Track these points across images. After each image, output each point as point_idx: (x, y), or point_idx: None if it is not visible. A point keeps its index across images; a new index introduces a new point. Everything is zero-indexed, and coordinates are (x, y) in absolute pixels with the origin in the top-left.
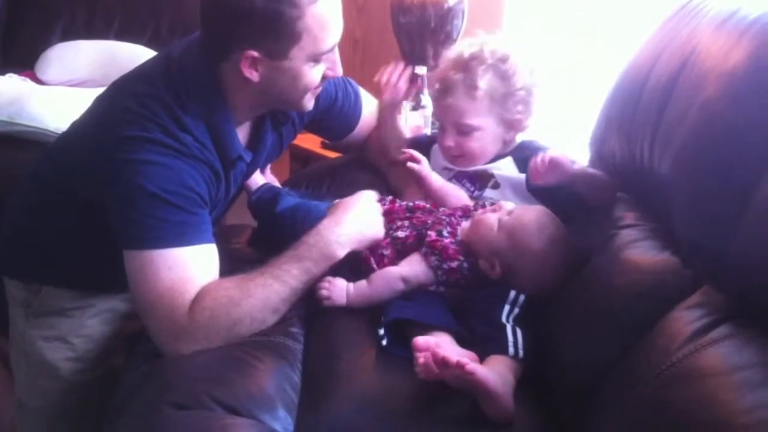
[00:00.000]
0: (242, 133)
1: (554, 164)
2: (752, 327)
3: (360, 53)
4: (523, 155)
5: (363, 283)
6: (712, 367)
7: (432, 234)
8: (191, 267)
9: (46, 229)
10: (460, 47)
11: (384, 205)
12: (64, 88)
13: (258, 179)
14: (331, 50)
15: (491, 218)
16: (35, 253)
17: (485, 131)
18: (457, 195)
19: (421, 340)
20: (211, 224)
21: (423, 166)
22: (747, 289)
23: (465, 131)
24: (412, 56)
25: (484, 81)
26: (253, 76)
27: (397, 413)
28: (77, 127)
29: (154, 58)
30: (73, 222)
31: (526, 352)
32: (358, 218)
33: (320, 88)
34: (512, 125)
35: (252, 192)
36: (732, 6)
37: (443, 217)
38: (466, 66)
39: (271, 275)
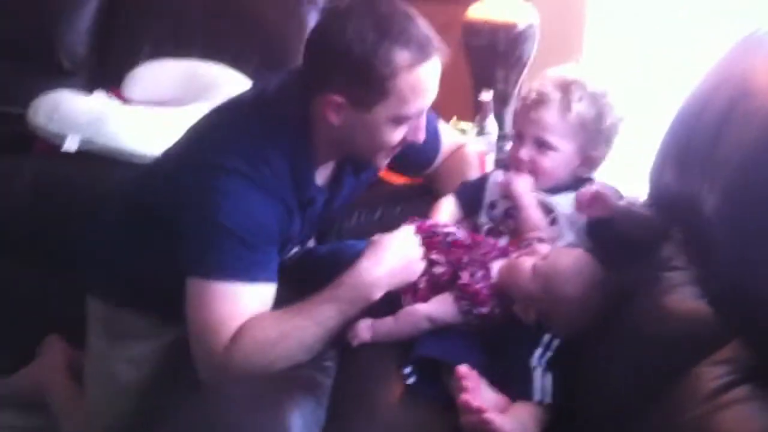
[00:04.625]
0: (325, 172)
1: (598, 197)
2: None
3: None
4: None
5: (389, 319)
6: (727, 430)
7: (465, 276)
8: (246, 304)
9: (129, 252)
10: (561, 70)
11: (421, 229)
12: (143, 108)
13: None
14: (417, 116)
15: (526, 263)
16: (118, 274)
17: (563, 155)
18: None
19: (463, 369)
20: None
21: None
22: None
23: (544, 148)
24: (482, 79)
25: (581, 106)
26: (334, 120)
27: None
28: (169, 151)
29: (251, 89)
30: (154, 248)
31: (555, 398)
32: (398, 261)
33: (398, 149)
34: (589, 161)
35: None
36: None
37: (478, 257)
38: (567, 88)
39: (308, 316)
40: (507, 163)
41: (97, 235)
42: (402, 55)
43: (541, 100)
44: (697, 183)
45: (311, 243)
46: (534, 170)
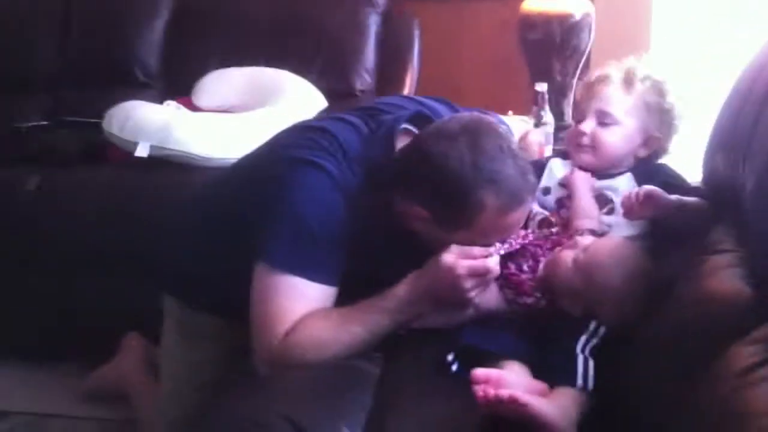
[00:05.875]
0: None
1: (648, 198)
2: None
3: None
4: (643, 169)
5: None
6: (756, 406)
7: (511, 266)
8: (306, 302)
9: (204, 255)
10: (623, 60)
11: None
12: (209, 114)
13: None
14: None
15: (567, 257)
16: (192, 277)
17: (624, 130)
18: (589, 211)
19: (479, 373)
20: None
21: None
22: None
23: (606, 122)
24: (539, 72)
25: (643, 86)
26: (416, 226)
27: None
28: (249, 155)
29: (353, 121)
30: (229, 249)
31: (597, 385)
32: (452, 291)
33: None
34: (649, 141)
35: None
36: None
37: (530, 248)
38: (629, 70)
39: (362, 324)
40: (565, 150)
41: (173, 237)
42: (492, 198)
43: (604, 78)
44: (740, 168)
45: None
46: (595, 144)
